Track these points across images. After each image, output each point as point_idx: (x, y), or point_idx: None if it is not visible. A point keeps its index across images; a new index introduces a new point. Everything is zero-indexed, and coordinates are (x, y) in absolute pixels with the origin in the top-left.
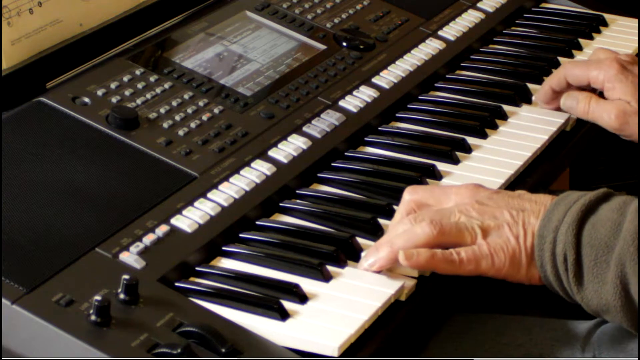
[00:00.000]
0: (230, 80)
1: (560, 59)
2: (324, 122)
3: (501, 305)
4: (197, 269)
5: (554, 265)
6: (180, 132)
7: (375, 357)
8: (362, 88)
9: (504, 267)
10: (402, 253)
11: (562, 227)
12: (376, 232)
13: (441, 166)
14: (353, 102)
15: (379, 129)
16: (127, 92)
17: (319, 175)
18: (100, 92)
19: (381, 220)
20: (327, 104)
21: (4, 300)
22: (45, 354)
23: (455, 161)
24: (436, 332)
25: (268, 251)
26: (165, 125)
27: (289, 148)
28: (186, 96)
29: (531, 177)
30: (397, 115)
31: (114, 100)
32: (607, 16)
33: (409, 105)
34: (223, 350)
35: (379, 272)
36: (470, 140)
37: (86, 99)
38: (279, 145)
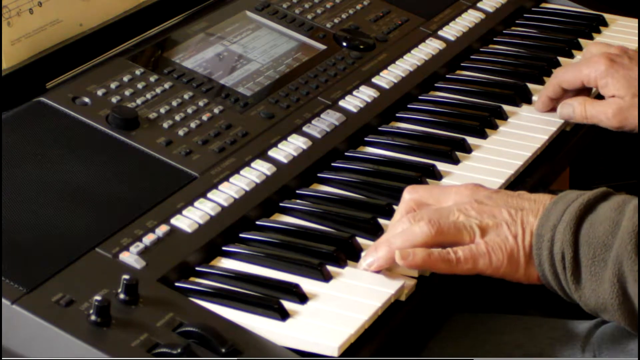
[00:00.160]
0: (230, 80)
1: (560, 59)
2: (324, 122)
3: (501, 305)
4: (197, 269)
5: (552, 264)
6: (180, 132)
7: (375, 357)
8: (362, 88)
9: (502, 266)
10: (398, 253)
11: (560, 226)
12: (376, 232)
13: (441, 166)
14: (353, 102)
15: (379, 129)
16: (127, 92)
17: (319, 175)
18: (100, 92)
19: (381, 220)
20: (327, 104)
21: (4, 300)
22: (45, 354)
23: (455, 161)
24: (436, 332)
25: (268, 251)
26: (165, 125)
27: (289, 148)
28: (186, 96)
29: (531, 177)
30: (397, 115)
31: (114, 100)
32: (607, 16)
33: (409, 105)
34: (223, 350)
35: (378, 271)
36: (470, 140)
37: (86, 99)
38: (279, 145)
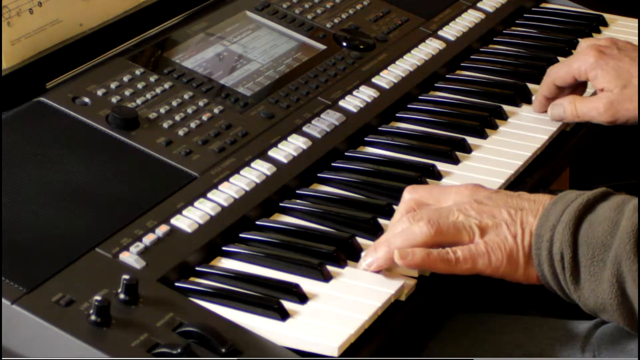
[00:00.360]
0: (230, 80)
1: (560, 59)
2: (324, 122)
3: (501, 305)
4: (197, 269)
5: (551, 264)
6: (180, 132)
7: (375, 357)
8: (362, 88)
9: (502, 266)
10: (398, 252)
11: (560, 226)
12: (376, 232)
13: (441, 166)
14: (353, 102)
15: (379, 129)
16: (127, 92)
17: (319, 175)
18: (100, 92)
19: (381, 220)
20: (327, 104)
21: (4, 300)
22: (45, 354)
23: (455, 161)
24: (436, 332)
25: (268, 251)
26: (165, 125)
27: (289, 148)
28: (186, 96)
29: (531, 177)
30: (397, 115)
31: (114, 100)
32: (607, 16)
33: (409, 105)
34: (223, 350)
35: (378, 271)
36: (470, 140)
37: (86, 99)
38: (279, 145)
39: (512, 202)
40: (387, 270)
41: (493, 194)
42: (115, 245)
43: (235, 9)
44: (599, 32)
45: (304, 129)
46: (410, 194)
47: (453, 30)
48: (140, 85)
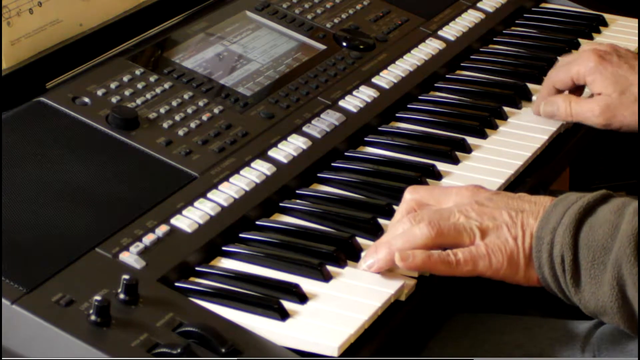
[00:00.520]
0: (230, 80)
1: (560, 58)
2: (324, 122)
3: (501, 305)
4: (197, 269)
5: (552, 267)
6: (180, 132)
7: (375, 357)
8: (362, 88)
9: (502, 268)
10: (398, 255)
11: (560, 229)
12: (376, 232)
13: (441, 166)
14: (353, 102)
15: (379, 129)
16: (127, 92)
17: (319, 175)
18: (100, 92)
19: (381, 220)
20: (327, 104)
21: (4, 300)
22: (45, 354)
23: (455, 161)
24: (436, 332)
25: (268, 251)
26: (165, 125)
27: (289, 148)
28: (186, 96)
29: (531, 177)
30: (397, 115)
31: (114, 100)
32: (607, 16)
33: (409, 105)
34: (223, 350)
35: (378, 272)
36: (470, 140)
37: (86, 99)
38: (279, 145)
39: (513, 204)
40: (387, 270)
41: (494, 195)
42: (115, 245)
43: (235, 9)
44: (599, 32)
45: (304, 129)
46: (411, 195)
47: (453, 30)
48: (140, 85)
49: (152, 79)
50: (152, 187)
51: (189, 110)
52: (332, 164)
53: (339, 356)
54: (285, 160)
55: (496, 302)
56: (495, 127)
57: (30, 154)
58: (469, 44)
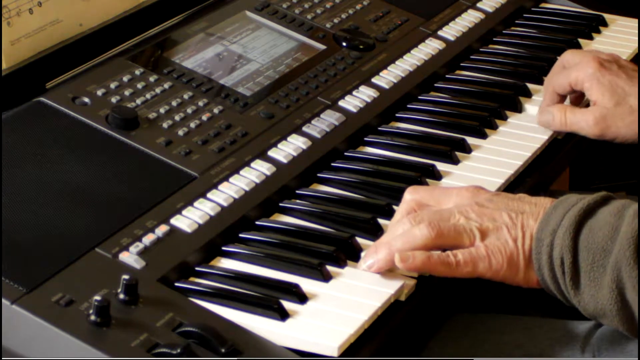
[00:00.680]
0: (230, 80)
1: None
2: (324, 122)
3: (501, 306)
4: (197, 269)
5: (551, 269)
6: (180, 132)
7: (375, 357)
8: (362, 88)
9: (502, 269)
10: (398, 255)
11: (560, 231)
12: (376, 232)
13: (441, 166)
14: (353, 102)
15: (379, 129)
16: (127, 92)
17: (318, 175)
18: (100, 92)
19: (381, 220)
20: (327, 104)
21: (4, 300)
22: (45, 354)
23: (455, 161)
24: (436, 332)
25: (268, 251)
26: (165, 125)
27: (289, 148)
28: (186, 96)
29: (531, 177)
30: (397, 115)
31: (113, 100)
32: (607, 16)
33: (408, 105)
34: (223, 350)
35: (378, 272)
36: (470, 140)
37: (86, 99)
38: (279, 145)
39: (513, 205)
40: (387, 270)
41: (494, 196)
42: (115, 245)
43: (235, 9)
44: (598, 32)
45: (304, 129)
46: (411, 195)
47: (453, 30)
48: (140, 85)
49: (152, 79)
50: (152, 187)
51: (189, 110)
52: (332, 164)
53: (339, 356)
54: (285, 160)
55: (496, 302)
56: (495, 127)
57: (30, 154)
58: (468, 44)
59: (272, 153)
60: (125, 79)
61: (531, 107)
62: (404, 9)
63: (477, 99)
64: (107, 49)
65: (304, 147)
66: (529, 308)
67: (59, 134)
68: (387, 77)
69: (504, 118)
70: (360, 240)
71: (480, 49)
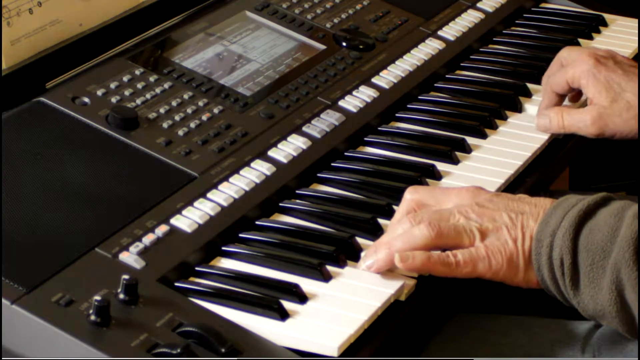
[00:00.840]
0: (230, 80)
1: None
2: (324, 122)
3: (501, 306)
4: (197, 269)
5: (551, 270)
6: (180, 132)
7: (375, 357)
8: (362, 88)
9: (502, 269)
10: (398, 256)
11: (560, 232)
12: (376, 232)
13: (441, 166)
14: (353, 102)
15: (379, 129)
16: (126, 92)
17: (318, 175)
18: (100, 92)
19: (381, 220)
20: (327, 104)
21: (4, 300)
22: (45, 354)
23: (455, 161)
24: (436, 333)
25: (268, 251)
26: (165, 125)
27: (289, 148)
28: (186, 96)
29: (531, 177)
30: (397, 115)
31: (113, 100)
32: (607, 16)
33: (408, 105)
34: (223, 350)
35: (377, 272)
36: (470, 140)
37: (86, 99)
38: (279, 145)
39: (513, 206)
40: (387, 270)
41: (494, 197)
42: (115, 245)
43: (235, 9)
44: (598, 32)
45: (304, 129)
46: (411, 195)
47: (453, 30)
48: (140, 85)
49: (152, 79)
50: (152, 187)
51: (189, 110)
52: (332, 164)
53: (339, 356)
54: (285, 160)
55: (496, 303)
56: (495, 127)
57: (30, 154)
58: (468, 44)
59: (272, 153)
60: (125, 79)
61: (531, 107)
62: (404, 9)
63: (477, 99)
64: (107, 49)
65: (304, 147)
66: (529, 308)
67: (59, 134)
68: (387, 77)
69: (504, 118)
70: (360, 240)
71: (480, 49)
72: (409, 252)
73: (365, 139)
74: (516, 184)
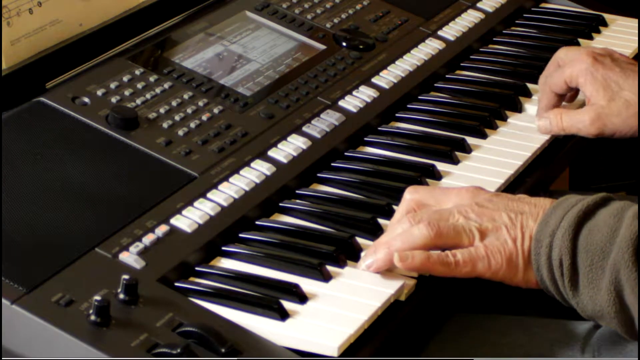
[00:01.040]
0: (230, 80)
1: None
2: (324, 122)
3: (501, 306)
4: (197, 269)
5: (550, 270)
6: (180, 132)
7: (375, 357)
8: (362, 88)
9: (501, 269)
10: (397, 255)
11: (559, 232)
12: (376, 232)
13: (441, 166)
14: (353, 102)
15: (379, 129)
16: (127, 92)
17: (318, 175)
18: (100, 92)
19: (381, 220)
20: (327, 104)
21: (4, 300)
22: (45, 354)
23: (455, 161)
24: (436, 333)
25: (268, 251)
26: (165, 125)
27: (289, 148)
28: (186, 96)
29: (531, 177)
30: (397, 115)
31: (113, 100)
32: (607, 16)
33: (408, 105)
34: (223, 350)
35: (377, 272)
36: (470, 140)
37: (86, 99)
38: (279, 145)
39: (513, 206)
40: (387, 270)
41: (494, 196)
42: (115, 245)
43: (235, 9)
44: (598, 32)
45: (304, 129)
46: (411, 195)
47: (453, 30)
48: (140, 85)
49: (152, 79)
50: (152, 187)
51: (189, 110)
52: (332, 164)
53: (339, 356)
54: (285, 160)
55: (496, 303)
56: (495, 127)
57: (30, 154)
58: (468, 44)
59: (272, 153)
60: (125, 79)
61: (531, 107)
62: (404, 9)
63: (477, 99)
64: (107, 49)
65: (304, 147)
66: (528, 308)
67: (59, 134)
68: (387, 77)
69: (504, 118)
70: (360, 240)
71: (480, 49)
72: (409, 252)
73: (365, 139)
74: (516, 184)
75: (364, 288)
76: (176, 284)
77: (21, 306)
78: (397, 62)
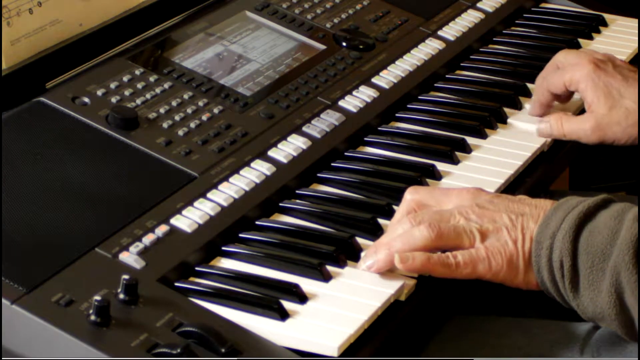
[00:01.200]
0: (230, 80)
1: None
2: (324, 122)
3: (501, 307)
4: (197, 269)
5: (551, 272)
6: (180, 132)
7: (375, 357)
8: (362, 88)
9: (501, 270)
10: (398, 256)
11: (559, 234)
12: (376, 232)
13: (441, 166)
14: (353, 102)
15: (379, 129)
16: (126, 92)
17: (318, 175)
18: (100, 92)
19: (381, 220)
20: (327, 104)
21: (4, 300)
22: (45, 354)
23: (455, 161)
24: (436, 334)
25: (268, 251)
26: (165, 125)
27: (289, 148)
28: (186, 96)
29: (531, 177)
30: (397, 115)
31: (113, 100)
32: (607, 16)
33: (408, 105)
34: (223, 350)
35: (377, 272)
36: (470, 140)
37: (86, 99)
38: (279, 145)
39: (514, 207)
40: (387, 270)
41: (495, 198)
42: (115, 245)
43: (235, 9)
44: (598, 32)
45: (304, 129)
46: (411, 195)
47: (453, 30)
48: (140, 85)
49: (152, 79)
50: (152, 187)
51: (189, 110)
52: (332, 164)
53: (339, 356)
54: (285, 160)
55: (496, 304)
56: (495, 127)
57: (30, 154)
58: (468, 44)
59: (272, 153)
60: (125, 79)
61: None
62: (404, 9)
63: (477, 99)
64: (107, 49)
65: (304, 147)
66: (528, 310)
67: (59, 134)
68: (387, 77)
69: (504, 118)
70: (360, 240)
71: (480, 49)
72: (409, 253)
73: (365, 139)
74: (516, 184)
75: (364, 288)
76: (176, 284)
77: (21, 306)
78: (397, 62)
